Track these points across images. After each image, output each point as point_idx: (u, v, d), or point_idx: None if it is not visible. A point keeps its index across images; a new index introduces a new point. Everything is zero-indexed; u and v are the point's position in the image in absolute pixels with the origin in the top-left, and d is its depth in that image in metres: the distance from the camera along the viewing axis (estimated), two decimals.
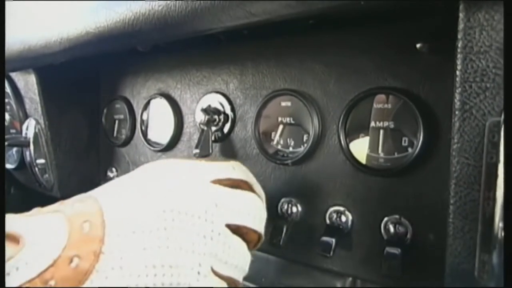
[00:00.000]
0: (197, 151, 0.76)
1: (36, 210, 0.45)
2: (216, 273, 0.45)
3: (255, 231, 0.52)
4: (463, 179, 0.42)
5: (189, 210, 0.46)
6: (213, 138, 0.79)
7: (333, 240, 0.62)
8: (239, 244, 0.50)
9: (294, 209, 0.71)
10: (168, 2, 0.55)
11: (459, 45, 0.40)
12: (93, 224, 0.41)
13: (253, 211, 0.51)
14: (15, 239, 0.39)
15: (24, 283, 0.35)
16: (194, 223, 0.46)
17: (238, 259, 0.49)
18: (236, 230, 0.49)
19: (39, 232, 0.39)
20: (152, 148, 0.94)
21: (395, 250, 0.58)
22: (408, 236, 0.60)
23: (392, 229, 0.61)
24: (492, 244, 0.39)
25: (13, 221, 0.41)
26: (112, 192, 0.47)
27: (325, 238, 0.63)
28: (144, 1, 0.58)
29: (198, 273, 0.43)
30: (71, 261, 0.37)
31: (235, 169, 0.54)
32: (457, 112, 0.41)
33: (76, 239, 0.39)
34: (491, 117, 0.39)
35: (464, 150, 0.41)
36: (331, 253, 0.61)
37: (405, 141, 0.60)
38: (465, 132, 0.40)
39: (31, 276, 0.35)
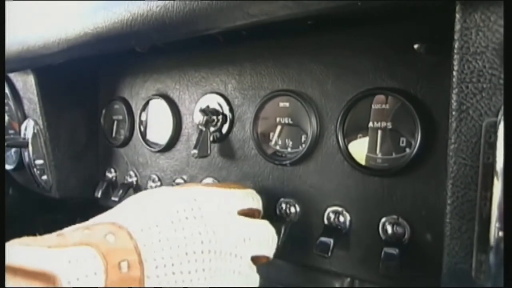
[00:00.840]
0: (196, 151, 0.76)
1: (60, 239, 0.42)
2: None
3: (268, 258, 0.58)
4: (460, 179, 0.42)
5: (222, 248, 0.48)
6: (211, 138, 0.80)
7: (331, 240, 0.62)
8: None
9: (293, 210, 0.71)
10: (166, 2, 0.55)
11: (456, 46, 0.40)
12: (131, 263, 0.40)
13: (271, 241, 0.58)
14: (50, 279, 0.36)
15: None
16: (226, 259, 0.49)
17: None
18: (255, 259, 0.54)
19: (75, 272, 0.37)
20: (150, 148, 0.94)
21: (393, 250, 0.58)
22: (406, 236, 0.60)
23: (390, 229, 0.61)
24: (489, 244, 0.39)
25: (42, 254, 0.38)
26: (144, 222, 0.46)
27: (323, 239, 0.63)
28: (142, 2, 0.58)
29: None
30: None
31: (253, 199, 0.60)
32: (454, 113, 0.41)
33: (115, 280, 0.38)
34: (487, 118, 0.39)
35: (461, 151, 0.41)
36: (329, 253, 0.62)
37: (402, 141, 0.60)
38: (462, 133, 0.40)
39: None
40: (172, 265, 0.44)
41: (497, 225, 0.39)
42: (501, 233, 0.38)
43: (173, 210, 0.49)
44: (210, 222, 0.49)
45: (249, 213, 0.57)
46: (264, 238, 0.56)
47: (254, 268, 0.55)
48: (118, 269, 0.39)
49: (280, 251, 0.71)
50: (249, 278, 0.53)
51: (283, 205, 0.72)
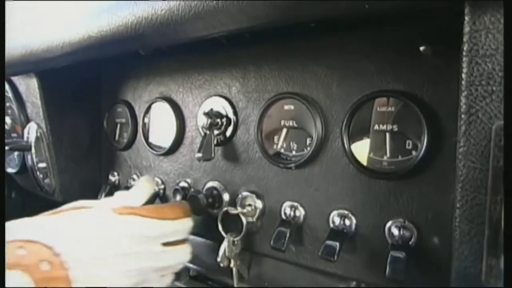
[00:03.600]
0: (200, 155, 0.76)
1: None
2: None
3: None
4: (470, 183, 0.41)
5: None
6: (215, 141, 0.79)
7: (337, 244, 0.62)
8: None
9: (298, 213, 0.71)
10: (171, 5, 0.55)
11: (465, 48, 0.40)
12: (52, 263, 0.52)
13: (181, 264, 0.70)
14: None
15: None
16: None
17: None
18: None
19: None
20: (154, 152, 0.94)
21: (400, 254, 0.57)
22: (413, 239, 0.59)
23: (396, 232, 0.61)
24: (499, 249, 0.38)
25: None
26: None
27: (329, 242, 0.62)
28: (146, 6, 0.58)
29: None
30: None
31: (183, 230, 0.69)
32: (463, 116, 0.41)
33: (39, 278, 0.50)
34: (497, 121, 0.38)
35: (470, 154, 0.41)
36: (336, 257, 0.61)
37: (409, 144, 0.60)
38: (471, 136, 0.40)
39: None
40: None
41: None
42: None
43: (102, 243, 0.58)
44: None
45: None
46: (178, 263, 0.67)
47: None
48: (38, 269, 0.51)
49: (285, 254, 0.71)
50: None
51: (288, 209, 0.72)
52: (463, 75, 0.40)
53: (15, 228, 0.57)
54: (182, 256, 0.68)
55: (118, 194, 0.70)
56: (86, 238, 0.57)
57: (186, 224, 0.68)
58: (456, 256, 0.43)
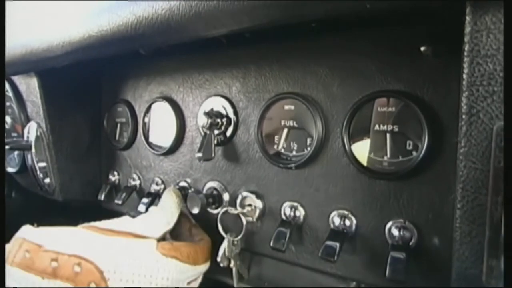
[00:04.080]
0: (200, 154, 0.76)
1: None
2: None
3: None
4: (470, 184, 0.41)
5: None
6: (215, 141, 0.79)
7: (337, 244, 0.62)
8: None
9: (298, 213, 0.71)
10: (172, 5, 0.55)
11: (466, 49, 0.39)
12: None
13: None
14: None
15: None
16: None
17: None
18: None
19: None
20: (154, 151, 0.94)
21: (400, 255, 0.57)
22: (413, 240, 0.59)
23: (396, 233, 0.61)
24: (500, 249, 0.38)
25: (32, 281, 0.57)
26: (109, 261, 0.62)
27: (329, 242, 0.62)
28: (147, 5, 0.58)
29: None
30: None
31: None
32: (464, 116, 0.40)
33: None
34: (498, 121, 0.38)
35: (471, 154, 0.40)
36: (335, 257, 0.61)
37: (409, 144, 0.60)
38: (472, 136, 0.40)
39: None
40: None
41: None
42: None
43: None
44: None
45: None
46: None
47: None
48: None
49: (285, 254, 0.71)
50: None
51: (288, 209, 0.72)
52: (464, 76, 0.40)
53: (73, 235, 0.64)
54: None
55: (153, 210, 0.76)
56: (132, 270, 0.62)
57: (208, 265, 0.75)
58: (456, 256, 0.43)
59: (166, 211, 0.75)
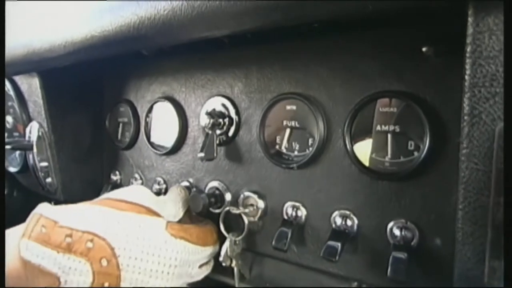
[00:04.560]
0: (202, 155, 0.76)
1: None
2: None
3: None
4: (472, 185, 0.41)
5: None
6: (217, 141, 0.79)
7: (339, 244, 0.62)
8: None
9: (299, 213, 0.71)
10: (174, 5, 0.55)
11: (468, 50, 0.40)
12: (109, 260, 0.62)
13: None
14: (54, 277, 0.60)
15: None
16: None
17: None
18: None
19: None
20: (156, 151, 0.94)
21: (402, 255, 0.57)
22: (415, 240, 0.59)
23: (398, 233, 0.61)
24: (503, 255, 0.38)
25: (49, 255, 0.60)
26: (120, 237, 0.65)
27: (331, 243, 0.62)
28: (149, 6, 0.58)
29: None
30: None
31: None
32: (466, 117, 0.41)
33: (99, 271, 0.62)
34: (500, 122, 0.38)
35: (473, 155, 0.41)
36: (337, 257, 0.61)
37: (411, 145, 0.60)
38: (474, 137, 0.40)
39: None
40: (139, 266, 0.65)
41: None
42: None
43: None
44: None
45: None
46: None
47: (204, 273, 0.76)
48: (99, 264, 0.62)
49: (287, 254, 0.71)
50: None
51: (290, 209, 0.72)
52: (466, 77, 0.40)
53: (87, 212, 0.68)
54: (206, 271, 0.76)
55: (161, 200, 0.77)
56: (141, 249, 0.65)
57: (217, 247, 0.76)
58: (458, 257, 0.43)
59: (174, 204, 0.76)
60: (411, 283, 0.59)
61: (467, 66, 0.40)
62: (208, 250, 0.73)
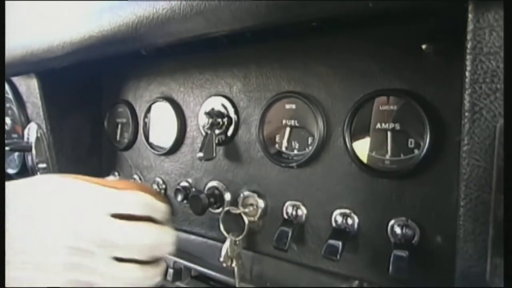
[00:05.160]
0: (201, 154, 0.75)
1: None
2: None
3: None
4: (474, 181, 0.41)
5: (85, 246, 0.51)
6: (216, 141, 0.79)
7: (340, 243, 0.61)
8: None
9: (300, 212, 0.71)
10: (173, 4, 0.55)
11: (468, 46, 0.39)
12: None
13: (148, 247, 0.55)
14: None
15: None
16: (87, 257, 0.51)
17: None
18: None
19: None
20: (155, 152, 0.94)
21: (403, 253, 0.57)
22: (416, 238, 0.59)
23: (399, 231, 0.61)
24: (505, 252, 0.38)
25: None
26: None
27: (331, 241, 0.62)
28: (147, 5, 0.58)
29: None
30: None
31: (139, 204, 0.56)
32: (466, 114, 0.40)
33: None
34: (501, 119, 0.38)
35: (474, 152, 0.40)
36: (338, 256, 0.61)
37: (411, 142, 0.60)
38: (475, 134, 0.40)
39: None
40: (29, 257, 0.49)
41: None
42: None
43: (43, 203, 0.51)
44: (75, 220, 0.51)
45: (131, 217, 0.54)
46: (138, 243, 0.54)
47: (122, 269, 0.54)
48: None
49: (288, 253, 0.71)
50: (115, 279, 0.53)
51: (290, 208, 0.72)
52: (467, 73, 0.40)
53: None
54: (140, 236, 0.53)
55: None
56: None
57: (137, 197, 0.56)
58: (460, 255, 0.43)
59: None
60: (413, 282, 0.59)
61: (468, 63, 0.40)
62: (115, 193, 0.54)
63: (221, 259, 0.75)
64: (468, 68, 0.40)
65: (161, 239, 0.56)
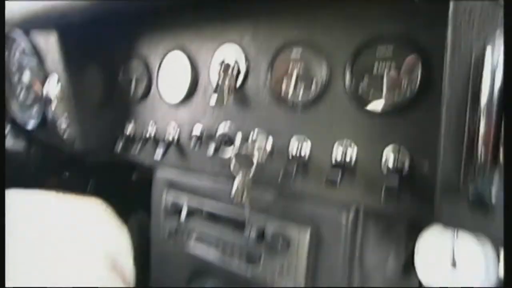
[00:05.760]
0: (213, 102, 0.83)
1: None
2: None
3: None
4: (453, 106, 0.49)
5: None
6: (227, 89, 0.86)
7: (340, 172, 0.70)
8: None
9: (304, 148, 0.79)
10: None
11: None
12: None
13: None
14: None
15: None
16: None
17: None
18: None
19: None
20: (168, 102, 1.01)
21: (394, 180, 0.65)
22: (406, 165, 0.67)
23: (392, 160, 0.68)
24: (475, 158, 0.46)
25: None
26: None
27: (332, 171, 0.71)
28: None
29: None
30: None
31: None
32: (449, 48, 0.48)
33: None
34: (476, 50, 0.46)
35: (455, 79, 0.48)
36: (338, 185, 0.69)
37: (405, 83, 0.67)
38: (455, 62, 0.47)
39: None
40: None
41: (482, 147, 0.46)
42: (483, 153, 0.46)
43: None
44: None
45: None
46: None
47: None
48: None
49: (293, 185, 0.79)
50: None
51: (295, 147, 0.80)
52: (450, 13, 0.47)
53: None
54: None
55: None
56: None
57: None
58: (440, 168, 0.52)
59: None
60: (403, 205, 0.67)
61: (451, 4, 0.47)
62: None
63: (232, 195, 0.83)
64: (451, 9, 0.47)
65: None
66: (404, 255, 0.90)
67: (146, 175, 1.17)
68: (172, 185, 1.07)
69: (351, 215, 0.78)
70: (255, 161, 0.82)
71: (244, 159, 0.85)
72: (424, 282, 0.83)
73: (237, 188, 0.85)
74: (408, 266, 0.88)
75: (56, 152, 1.41)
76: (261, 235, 0.87)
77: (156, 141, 1.06)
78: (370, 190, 0.72)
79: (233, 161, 0.85)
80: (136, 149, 1.07)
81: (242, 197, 0.85)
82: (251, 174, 0.83)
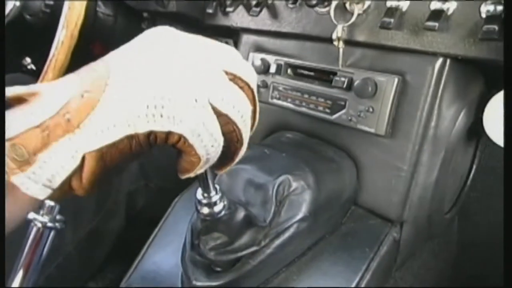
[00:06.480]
0: None
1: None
2: (213, 107, 0.45)
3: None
4: None
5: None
6: None
7: (437, 23, 0.77)
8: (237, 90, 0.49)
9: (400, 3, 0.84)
10: None
11: None
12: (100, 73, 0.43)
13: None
14: (33, 94, 0.41)
15: (45, 120, 0.38)
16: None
17: (236, 99, 0.48)
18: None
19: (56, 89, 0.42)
20: None
21: (494, 21, 0.71)
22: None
23: (491, 8, 0.73)
24: None
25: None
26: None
27: (432, 17, 0.78)
28: None
29: (196, 100, 0.43)
30: (82, 96, 0.40)
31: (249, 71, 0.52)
32: None
33: (87, 79, 0.42)
34: None
35: None
36: (437, 27, 0.77)
37: None
38: None
39: (50, 114, 0.39)
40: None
41: None
42: None
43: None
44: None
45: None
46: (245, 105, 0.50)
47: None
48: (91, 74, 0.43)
49: (383, 35, 0.87)
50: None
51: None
52: None
53: None
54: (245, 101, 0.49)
55: None
56: None
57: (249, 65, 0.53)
58: None
59: None
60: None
61: None
62: None
63: (333, 39, 0.92)
64: None
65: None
66: (475, 113, 1.00)
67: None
68: (259, 48, 1.17)
69: (438, 64, 0.86)
70: (355, 12, 0.90)
71: (342, 9, 0.92)
72: (494, 138, 0.91)
73: (336, 33, 0.92)
74: (477, 123, 0.97)
75: (141, 22, 1.51)
76: (349, 85, 0.97)
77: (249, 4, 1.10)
78: (463, 40, 0.78)
79: (333, 12, 0.92)
80: (230, 7, 1.13)
81: (339, 43, 0.93)
82: (349, 23, 0.90)
